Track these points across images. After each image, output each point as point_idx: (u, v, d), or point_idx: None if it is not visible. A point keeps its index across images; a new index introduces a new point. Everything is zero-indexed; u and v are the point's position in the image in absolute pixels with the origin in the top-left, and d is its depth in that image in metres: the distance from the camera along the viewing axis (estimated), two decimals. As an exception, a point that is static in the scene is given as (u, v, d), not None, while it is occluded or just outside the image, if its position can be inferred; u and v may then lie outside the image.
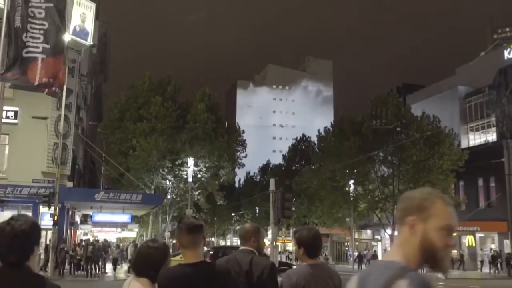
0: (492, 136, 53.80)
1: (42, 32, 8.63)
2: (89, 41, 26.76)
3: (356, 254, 50.00)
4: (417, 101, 59.50)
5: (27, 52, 8.53)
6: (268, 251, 33.55)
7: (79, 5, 26.03)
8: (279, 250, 65.72)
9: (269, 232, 32.33)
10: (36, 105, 23.07)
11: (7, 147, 23.60)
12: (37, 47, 8.56)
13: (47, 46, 8.62)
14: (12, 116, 23.65)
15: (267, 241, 42.49)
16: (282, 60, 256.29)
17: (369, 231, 54.70)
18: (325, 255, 56.91)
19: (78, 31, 25.69)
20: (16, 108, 23.52)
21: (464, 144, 51.96)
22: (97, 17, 30.81)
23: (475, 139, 56.46)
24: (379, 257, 45.28)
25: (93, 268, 25.78)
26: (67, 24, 9.40)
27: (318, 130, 46.68)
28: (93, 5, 26.95)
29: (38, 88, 8.81)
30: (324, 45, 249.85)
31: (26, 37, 8.59)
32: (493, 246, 38.76)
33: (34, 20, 8.67)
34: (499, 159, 36.15)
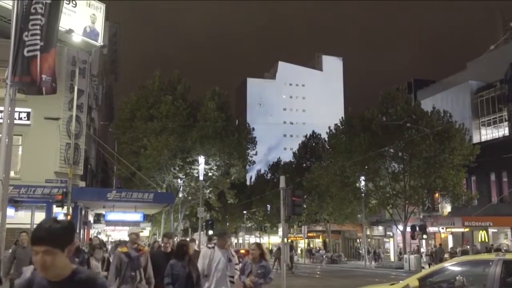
0: (504, 131, 53.43)
1: (40, 28, 8.66)
2: (100, 42, 26.85)
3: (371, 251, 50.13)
4: (428, 96, 59.24)
5: (28, 51, 8.57)
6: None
7: (89, 6, 26.20)
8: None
9: (280, 230, 32.43)
10: (48, 106, 23.31)
11: (20, 148, 23.84)
12: (36, 45, 8.58)
13: (43, 43, 8.66)
14: (24, 117, 23.91)
15: (278, 238, 42.74)
16: (292, 57, 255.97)
17: (380, 228, 54.60)
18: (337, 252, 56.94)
19: (88, 32, 25.86)
20: (29, 109, 23.77)
21: (476, 139, 51.67)
22: (107, 17, 30.97)
23: (487, 134, 56.11)
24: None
25: None
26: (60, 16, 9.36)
27: (329, 127, 46.68)
28: (103, 6, 27.10)
29: (40, 89, 8.86)
30: (333, 42, 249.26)
31: (27, 35, 8.62)
32: (505, 241, 38.56)
33: (35, 16, 8.69)
34: (511, 154, 35.93)
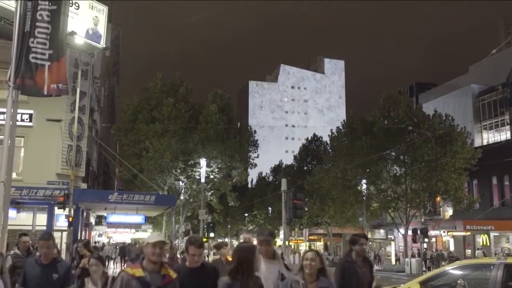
0: (506, 134, 53.38)
1: (47, 37, 8.69)
2: (102, 44, 26.90)
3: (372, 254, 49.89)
4: (430, 100, 59.21)
5: (33, 58, 8.59)
6: (279, 250, 33.71)
7: (92, 8, 26.25)
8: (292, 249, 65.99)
9: (281, 232, 32.51)
10: (51, 108, 23.35)
11: (22, 150, 23.89)
12: (44, 54, 8.59)
13: (51, 51, 8.69)
14: (27, 119, 23.97)
15: (279, 241, 42.91)
16: (294, 60, 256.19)
17: (382, 231, 54.49)
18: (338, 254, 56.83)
19: (91, 34, 25.90)
20: (31, 111, 23.82)
21: (477, 143, 51.61)
22: (110, 20, 31.00)
23: (488, 137, 56.03)
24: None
25: None
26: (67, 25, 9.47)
27: (331, 130, 46.62)
28: (105, 8, 27.14)
29: (47, 95, 8.93)
30: (335, 45, 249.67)
31: (32, 42, 8.64)
32: (507, 245, 38.51)
33: (41, 24, 8.72)
34: (513, 158, 35.90)
